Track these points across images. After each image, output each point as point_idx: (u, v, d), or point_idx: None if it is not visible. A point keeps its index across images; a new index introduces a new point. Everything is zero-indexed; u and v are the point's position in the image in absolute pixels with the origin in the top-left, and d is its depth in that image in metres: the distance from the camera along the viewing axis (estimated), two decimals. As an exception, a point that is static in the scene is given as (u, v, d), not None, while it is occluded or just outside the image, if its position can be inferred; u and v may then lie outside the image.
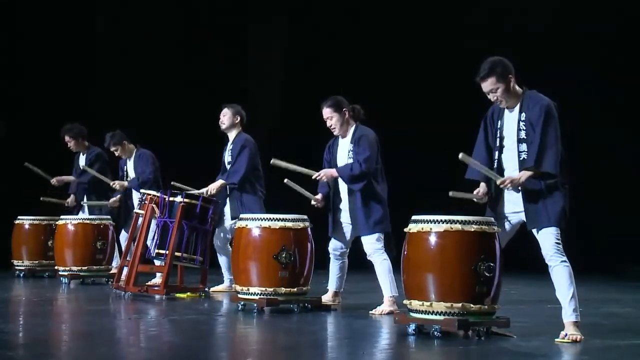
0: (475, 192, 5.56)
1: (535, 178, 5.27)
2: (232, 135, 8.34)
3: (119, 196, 9.56)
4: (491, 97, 5.44)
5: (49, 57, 12.53)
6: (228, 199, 8.21)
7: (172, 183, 8.59)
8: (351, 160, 6.87)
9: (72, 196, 10.20)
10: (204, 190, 8.14)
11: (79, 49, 12.70)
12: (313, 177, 6.98)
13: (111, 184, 9.55)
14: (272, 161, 7.01)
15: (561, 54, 11.91)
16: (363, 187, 6.81)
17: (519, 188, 5.35)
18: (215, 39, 13.30)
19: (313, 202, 7.06)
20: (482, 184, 5.55)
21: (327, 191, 7.07)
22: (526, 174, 5.28)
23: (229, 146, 8.31)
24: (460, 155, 5.36)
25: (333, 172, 6.93)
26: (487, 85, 5.41)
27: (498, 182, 5.37)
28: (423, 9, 12.75)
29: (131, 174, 9.47)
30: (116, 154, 9.55)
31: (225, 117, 8.33)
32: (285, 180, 6.99)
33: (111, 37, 13.11)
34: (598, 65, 11.76)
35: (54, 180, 10.23)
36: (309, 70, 13.02)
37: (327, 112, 7.01)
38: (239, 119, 8.33)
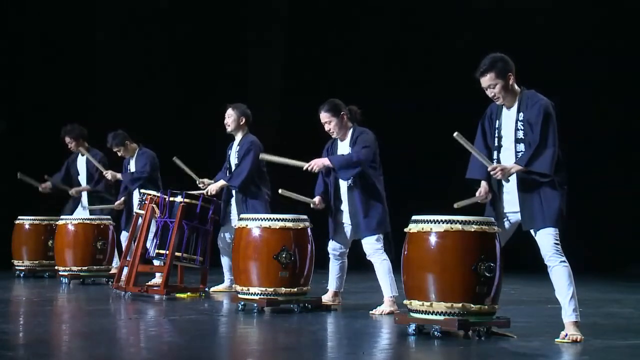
0: (477, 193, 5.56)
1: (529, 175, 5.26)
2: (238, 136, 8.27)
3: (122, 198, 9.56)
4: (489, 92, 5.45)
5: (50, 57, 12.54)
6: (234, 200, 8.20)
7: (173, 158, 8.37)
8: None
9: (48, 183, 10.16)
10: (203, 181, 8.14)
11: (79, 48, 12.72)
12: (304, 169, 6.94)
13: (104, 173, 9.59)
14: (260, 156, 6.98)
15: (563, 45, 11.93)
16: (363, 187, 6.81)
17: (509, 179, 5.36)
18: (215, 41, 13.31)
19: (312, 206, 7.05)
20: (483, 183, 5.54)
21: (322, 191, 7.06)
22: (517, 166, 5.29)
23: (235, 147, 8.25)
24: (455, 134, 5.34)
25: (325, 160, 6.90)
26: (486, 81, 5.41)
27: (489, 168, 5.38)
28: (422, 9, 12.77)
29: (133, 172, 9.49)
30: (119, 154, 9.55)
31: (230, 119, 8.23)
32: (280, 191, 6.93)
33: (111, 36, 13.12)
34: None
35: (72, 191, 10.15)
36: (309, 73, 13.05)
37: (324, 116, 6.99)
38: (244, 120, 8.24)
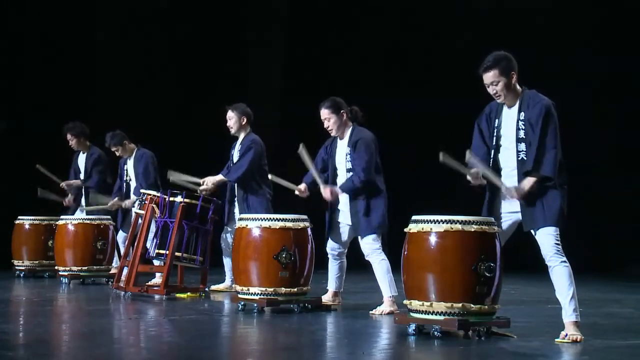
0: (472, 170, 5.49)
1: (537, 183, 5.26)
2: (241, 135, 8.28)
3: (116, 198, 9.55)
4: (491, 90, 5.44)
5: (50, 57, 12.54)
6: (236, 200, 8.19)
7: (168, 172, 8.29)
8: (349, 164, 6.88)
9: (70, 196, 10.18)
10: (201, 181, 8.13)
11: (79, 48, 12.72)
12: (321, 189, 6.94)
13: (108, 206, 9.53)
14: (300, 147, 6.87)
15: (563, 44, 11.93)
16: (365, 187, 6.82)
17: (510, 181, 5.35)
18: (215, 44, 13.31)
19: (297, 192, 7.07)
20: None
21: (311, 182, 7.07)
22: (530, 181, 5.25)
23: (238, 146, 8.27)
24: (441, 157, 5.34)
25: (337, 191, 6.90)
26: (488, 77, 5.40)
27: (503, 189, 5.35)
28: (422, 9, 12.78)
29: (130, 172, 9.46)
30: (117, 154, 9.55)
31: (232, 121, 8.24)
32: (270, 176, 7.13)
33: (111, 36, 13.12)
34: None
35: (63, 185, 10.19)
36: (309, 73, 13.05)
37: (324, 113, 7.00)
38: (245, 119, 8.25)
